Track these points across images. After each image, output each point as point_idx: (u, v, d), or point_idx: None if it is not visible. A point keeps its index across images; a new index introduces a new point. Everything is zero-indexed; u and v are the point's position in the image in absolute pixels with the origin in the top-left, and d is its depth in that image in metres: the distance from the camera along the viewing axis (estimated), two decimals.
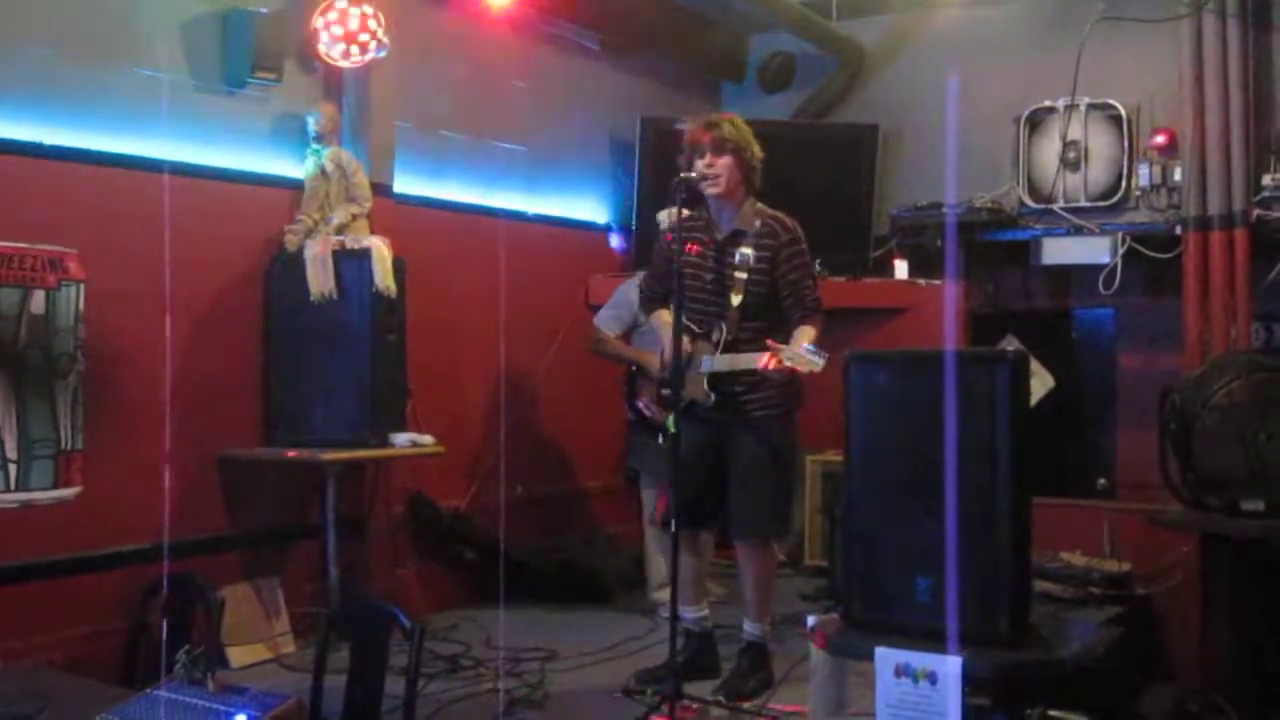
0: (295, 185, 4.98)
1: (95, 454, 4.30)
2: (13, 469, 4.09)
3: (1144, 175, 6.14)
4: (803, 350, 3.86)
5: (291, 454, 4.71)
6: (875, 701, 2.99)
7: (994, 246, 6.49)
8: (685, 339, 4.08)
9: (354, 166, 5.02)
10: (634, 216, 6.45)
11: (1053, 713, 3.31)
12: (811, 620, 3.33)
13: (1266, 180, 5.75)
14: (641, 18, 6.66)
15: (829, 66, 7.13)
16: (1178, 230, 5.94)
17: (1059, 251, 6.30)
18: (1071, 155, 6.31)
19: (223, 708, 2.79)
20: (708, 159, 4.17)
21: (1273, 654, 4.74)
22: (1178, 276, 5.91)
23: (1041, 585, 4.90)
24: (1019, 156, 6.45)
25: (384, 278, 4.74)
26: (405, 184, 5.50)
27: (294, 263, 4.79)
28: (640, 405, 5.16)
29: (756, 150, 4.24)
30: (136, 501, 4.36)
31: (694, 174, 4.15)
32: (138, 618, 4.21)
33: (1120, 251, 6.08)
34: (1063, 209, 6.32)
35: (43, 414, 4.17)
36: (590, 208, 6.73)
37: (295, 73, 5.04)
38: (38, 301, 4.16)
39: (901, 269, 6.65)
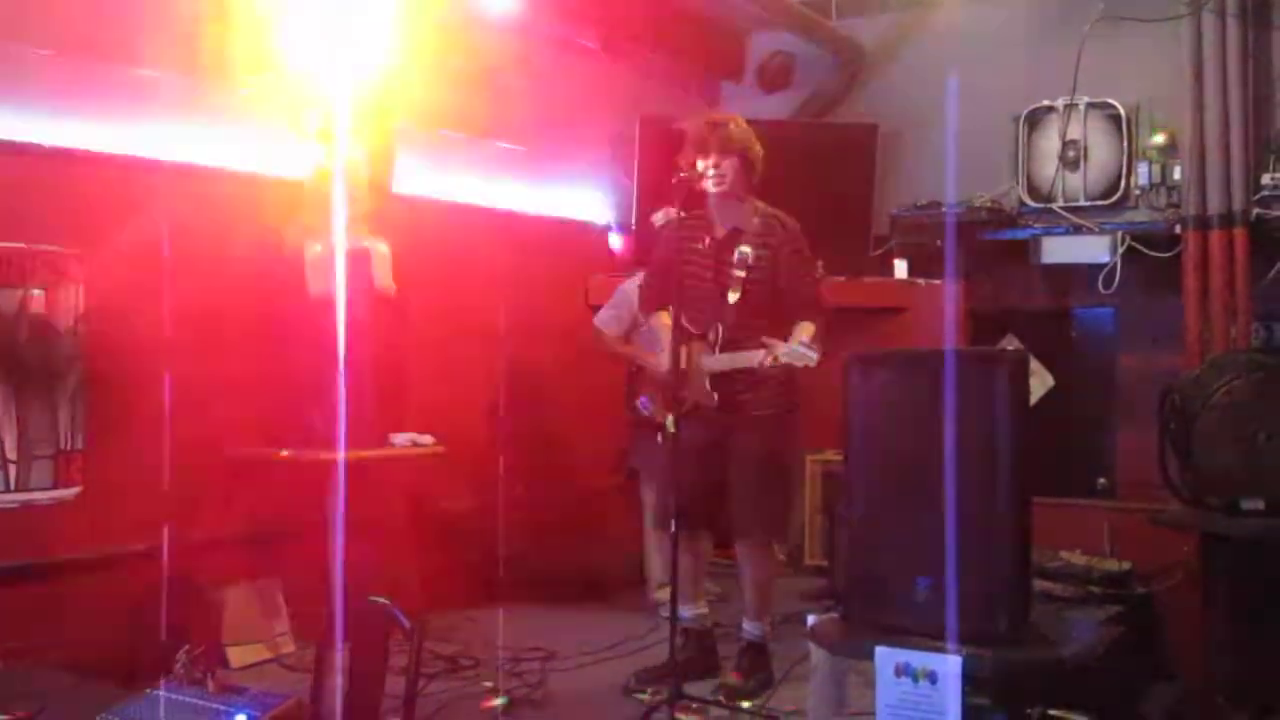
0: (296, 184, 4.97)
1: (95, 454, 4.30)
2: (12, 469, 4.10)
3: (1143, 174, 6.14)
4: (796, 346, 3.87)
5: (291, 453, 4.71)
6: (875, 701, 2.99)
7: (993, 246, 6.49)
8: (684, 340, 4.08)
9: (354, 165, 5.02)
10: (634, 216, 6.45)
11: (1053, 712, 3.31)
12: (811, 620, 3.33)
13: (1266, 179, 5.75)
14: (641, 17, 6.66)
15: (828, 66, 7.13)
16: (1177, 229, 5.94)
17: (1058, 251, 6.30)
18: (1071, 154, 6.31)
19: (223, 708, 2.79)
20: (713, 159, 4.18)
21: (1273, 653, 4.73)
22: (1177, 276, 5.91)
23: (1041, 584, 4.89)
24: (1018, 156, 6.45)
25: (384, 277, 4.74)
26: (406, 183, 5.50)
27: (294, 262, 4.79)
28: (640, 404, 5.16)
29: (758, 150, 4.26)
30: (136, 501, 4.36)
31: (697, 173, 4.16)
32: (138, 618, 4.21)
33: (1120, 251, 6.08)
34: (1062, 208, 6.32)
35: (43, 413, 4.17)
36: (590, 207, 6.73)
37: (295, 71, 5.03)
38: (38, 301, 4.16)
39: (901, 268, 6.65)
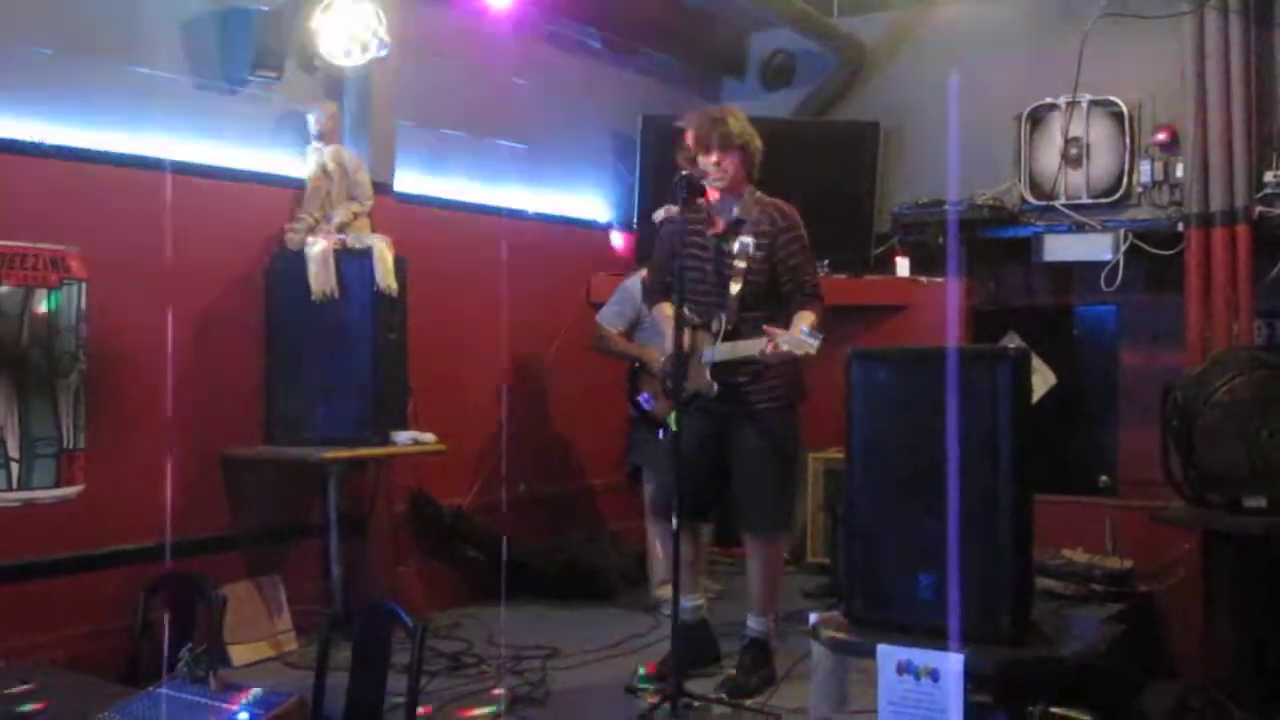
0: (297, 184, 4.98)
1: (97, 453, 4.30)
2: (15, 468, 4.10)
3: (1146, 172, 6.13)
4: (798, 334, 3.88)
5: (293, 452, 4.72)
6: (877, 699, 2.99)
7: (995, 243, 6.49)
8: (686, 331, 4.09)
9: (355, 165, 5.03)
10: (635, 214, 6.45)
11: (1055, 710, 3.31)
12: (813, 618, 3.33)
13: (1268, 176, 5.74)
14: (642, 15, 6.66)
15: (830, 64, 7.13)
16: (1180, 227, 5.94)
17: (1061, 248, 6.30)
18: (1073, 152, 6.30)
19: (225, 706, 2.79)
20: (714, 156, 4.18)
21: (1275, 651, 4.73)
22: (1180, 273, 5.90)
23: (1043, 582, 4.89)
24: (1020, 153, 6.44)
25: (385, 276, 4.75)
26: (406, 182, 5.50)
27: (295, 261, 4.79)
28: (642, 401, 5.16)
29: (758, 143, 4.28)
30: (138, 500, 4.37)
31: (698, 170, 4.17)
32: (140, 616, 4.19)
33: (1122, 248, 6.08)
34: (1064, 206, 6.31)
35: (45, 413, 4.18)
36: (592, 205, 6.73)
37: (296, 70, 5.04)
38: (40, 301, 4.17)
39: (903, 266, 6.65)
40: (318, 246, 4.77)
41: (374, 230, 4.95)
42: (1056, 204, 6.33)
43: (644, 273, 4.81)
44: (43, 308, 4.17)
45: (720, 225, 4.28)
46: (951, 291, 6.34)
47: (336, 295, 4.75)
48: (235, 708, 2.77)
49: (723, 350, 4.15)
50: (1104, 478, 6.27)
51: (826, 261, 6.09)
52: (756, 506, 4.27)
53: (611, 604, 5.61)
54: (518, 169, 6.04)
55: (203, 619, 3.98)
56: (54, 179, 4.23)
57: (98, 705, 2.90)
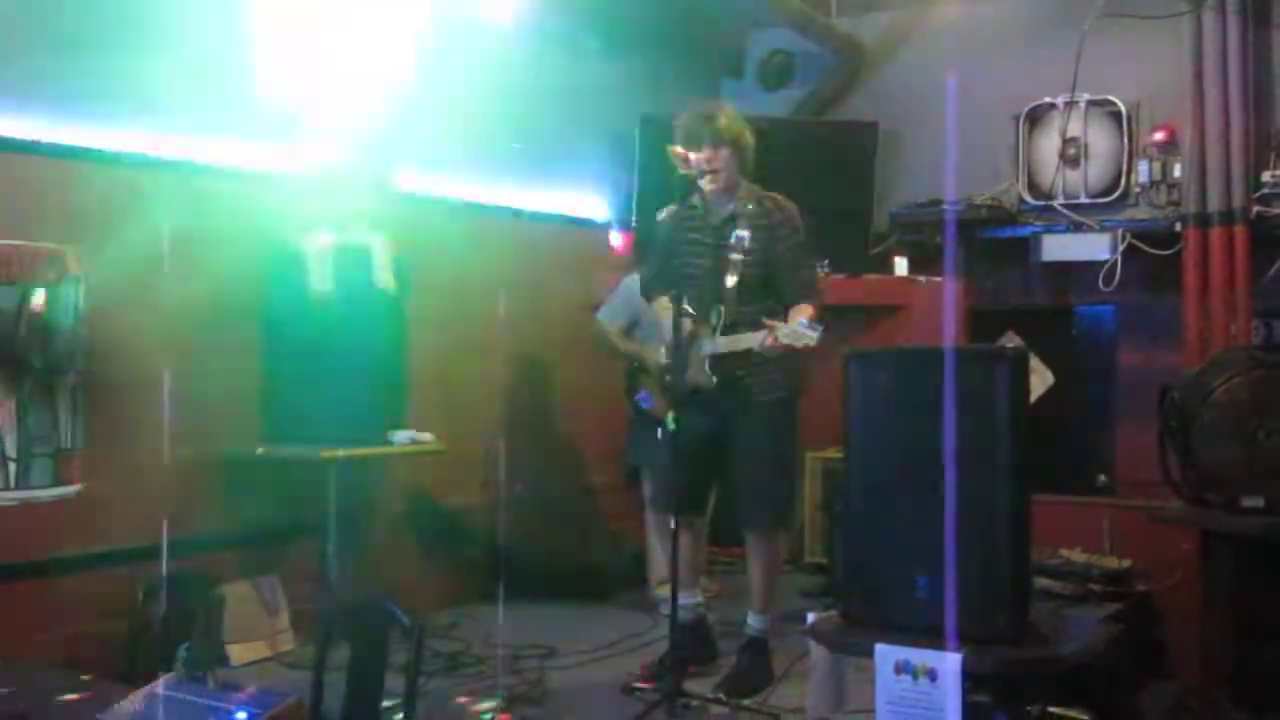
0: (297, 182, 4.97)
1: (95, 452, 4.30)
2: (12, 467, 4.10)
3: (1144, 172, 6.13)
4: (798, 326, 3.88)
5: (291, 452, 4.71)
6: (875, 698, 2.99)
7: (994, 243, 6.49)
8: (685, 324, 4.10)
9: (355, 164, 5.02)
10: (634, 213, 6.45)
11: (1053, 709, 3.31)
12: (811, 617, 3.33)
13: (1266, 177, 5.74)
14: (641, 14, 6.65)
15: (828, 63, 7.13)
16: (1178, 227, 5.94)
17: (1059, 248, 6.30)
18: (1071, 152, 6.31)
19: (223, 705, 2.79)
20: (706, 153, 4.20)
21: (1273, 651, 4.73)
22: (1178, 273, 5.91)
23: (1041, 582, 4.90)
24: (1019, 153, 6.44)
25: (384, 275, 4.74)
26: (406, 181, 5.49)
27: (294, 260, 4.79)
28: (640, 400, 5.15)
29: (749, 136, 4.30)
30: (137, 499, 4.35)
31: (692, 170, 4.19)
32: (138, 616, 4.21)
33: (1120, 248, 6.07)
34: (1062, 205, 6.31)
35: (43, 412, 4.17)
36: (590, 205, 6.72)
37: (298, 70, 5.03)
38: (38, 299, 4.16)
39: (901, 266, 6.65)
40: (317, 245, 4.76)
41: (373, 229, 4.94)
42: (1054, 204, 6.33)
43: (642, 270, 4.81)
44: (40, 306, 4.17)
45: (716, 218, 4.29)
46: (949, 291, 6.34)
47: (335, 294, 4.74)
48: (233, 707, 2.77)
49: (721, 343, 4.16)
50: (1102, 477, 6.27)
51: (827, 261, 6.08)
52: (756, 503, 4.27)
53: (610, 603, 5.61)
54: (516, 168, 6.04)
55: (201, 619, 3.99)
56: (54, 178, 4.22)
57: (96, 706, 2.90)
